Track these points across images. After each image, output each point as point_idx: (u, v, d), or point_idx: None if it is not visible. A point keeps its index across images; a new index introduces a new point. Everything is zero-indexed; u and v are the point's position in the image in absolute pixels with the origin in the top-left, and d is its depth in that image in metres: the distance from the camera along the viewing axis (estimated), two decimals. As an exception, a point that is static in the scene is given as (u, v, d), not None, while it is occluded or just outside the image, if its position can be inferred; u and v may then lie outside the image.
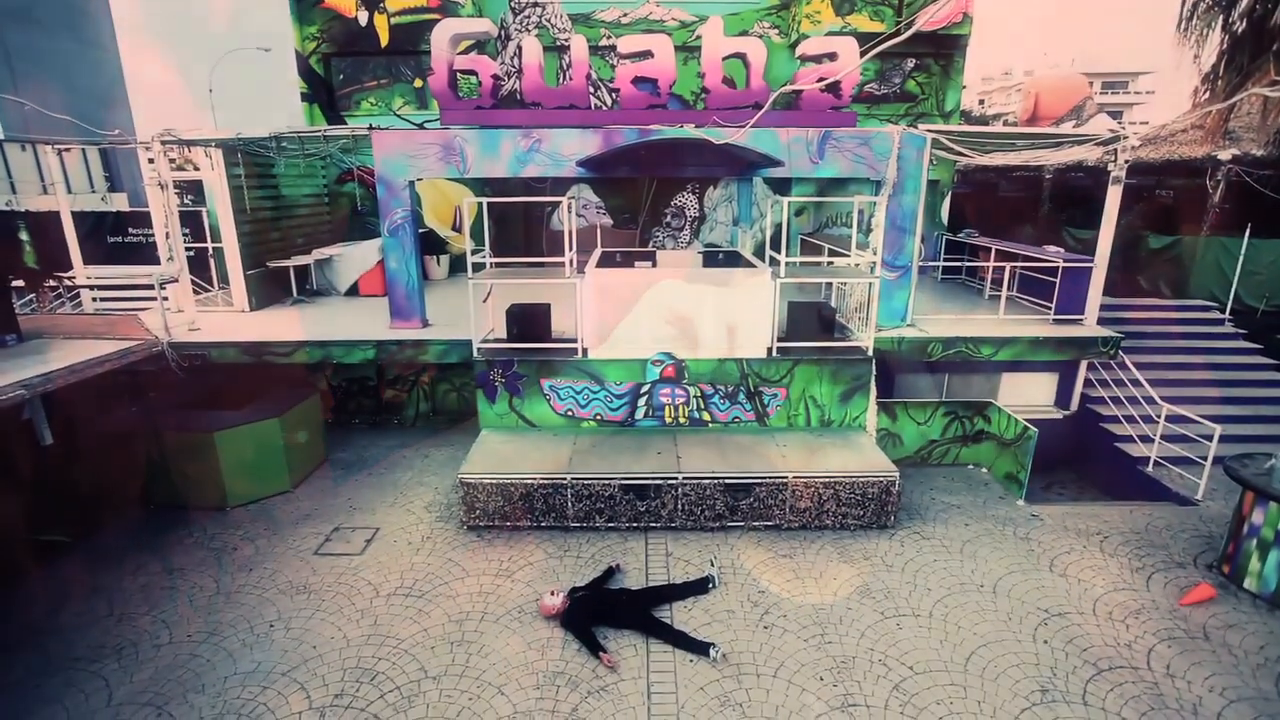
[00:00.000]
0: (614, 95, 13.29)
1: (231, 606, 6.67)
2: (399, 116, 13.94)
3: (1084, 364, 10.47)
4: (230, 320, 10.62)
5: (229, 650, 6.04)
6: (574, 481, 7.79)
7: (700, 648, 5.91)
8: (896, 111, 14.78)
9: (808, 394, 9.05)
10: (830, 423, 9.17)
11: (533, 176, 9.83)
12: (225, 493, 8.56)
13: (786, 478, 7.79)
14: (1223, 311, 12.50)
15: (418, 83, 14.68)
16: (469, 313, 8.82)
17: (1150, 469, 9.27)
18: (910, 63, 14.70)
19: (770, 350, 8.92)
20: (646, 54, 9.47)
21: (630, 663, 5.84)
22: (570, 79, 9.56)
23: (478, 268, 9.05)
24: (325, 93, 14.68)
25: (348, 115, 14.70)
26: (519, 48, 14.05)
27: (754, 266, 9.60)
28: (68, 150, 12.68)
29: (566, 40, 14.14)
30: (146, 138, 9.84)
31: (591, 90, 10.13)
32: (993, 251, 11.86)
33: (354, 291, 12.82)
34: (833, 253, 11.76)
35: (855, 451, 8.45)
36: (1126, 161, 9.46)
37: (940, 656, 5.90)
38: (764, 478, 7.81)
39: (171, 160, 10.35)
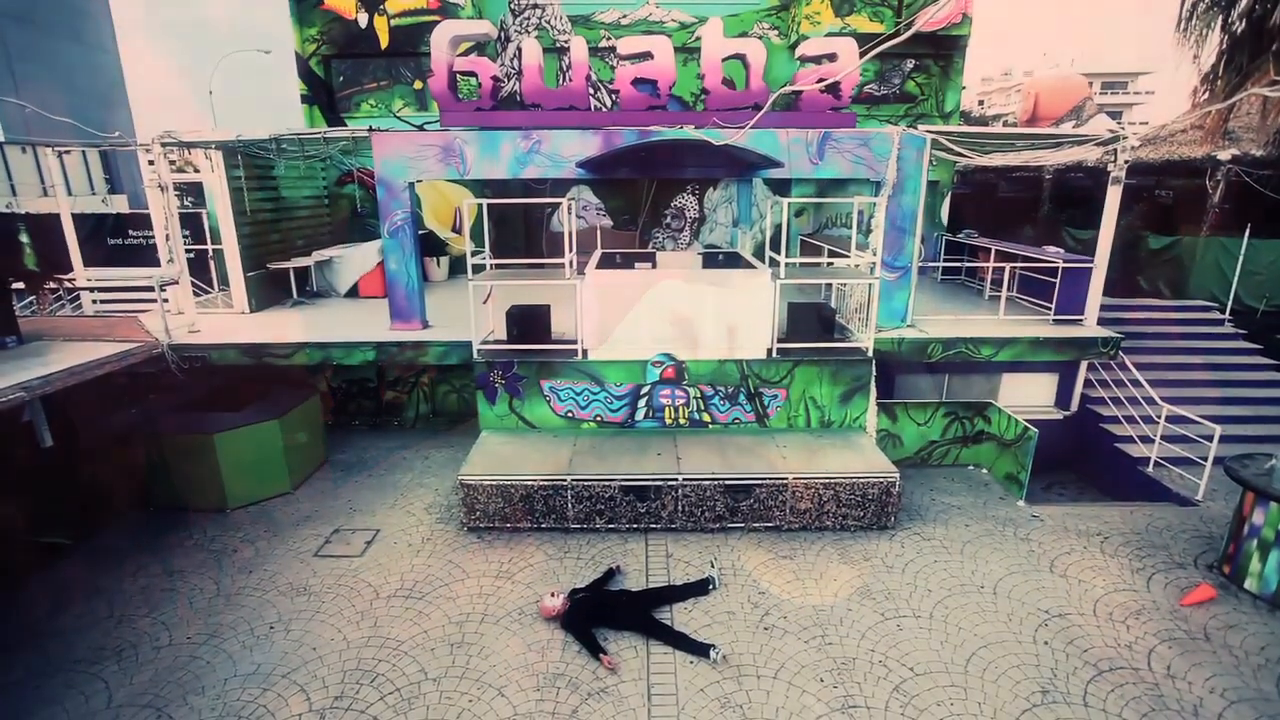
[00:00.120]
0: (614, 96, 13.28)
1: (231, 608, 6.67)
2: (399, 118, 13.93)
3: (1084, 364, 10.47)
4: (230, 322, 10.62)
5: (229, 652, 6.04)
6: (574, 483, 7.79)
7: (700, 649, 5.91)
8: (896, 112, 14.79)
9: (808, 395, 9.04)
10: (830, 424, 9.17)
11: (532, 178, 9.85)
12: (225, 494, 8.56)
13: (787, 479, 7.79)
14: (1222, 312, 12.50)
15: (417, 84, 14.69)
16: (469, 314, 8.82)
17: (1150, 469, 9.26)
18: (910, 63, 14.71)
19: (770, 351, 8.92)
20: (646, 55, 9.47)
21: (630, 664, 5.84)
22: (570, 80, 9.57)
23: (478, 269, 9.05)
24: (325, 94, 14.69)
25: (348, 117, 14.71)
26: (519, 49, 14.05)
27: (754, 267, 9.60)
28: (68, 152, 12.70)
29: (566, 42, 14.15)
30: (146, 140, 9.84)
31: (591, 91, 10.13)
32: (992, 252, 11.86)
33: (354, 293, 12.83)
34: (832, 253, 11.76)
35: (855, 452, 8.45)
36: (1126, 162, 9.46)
37: (941, 658, 5.89)
38: (764, 479, 7.81)
39: (171, 162, 10.31)
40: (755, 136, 8.79)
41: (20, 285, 10.56)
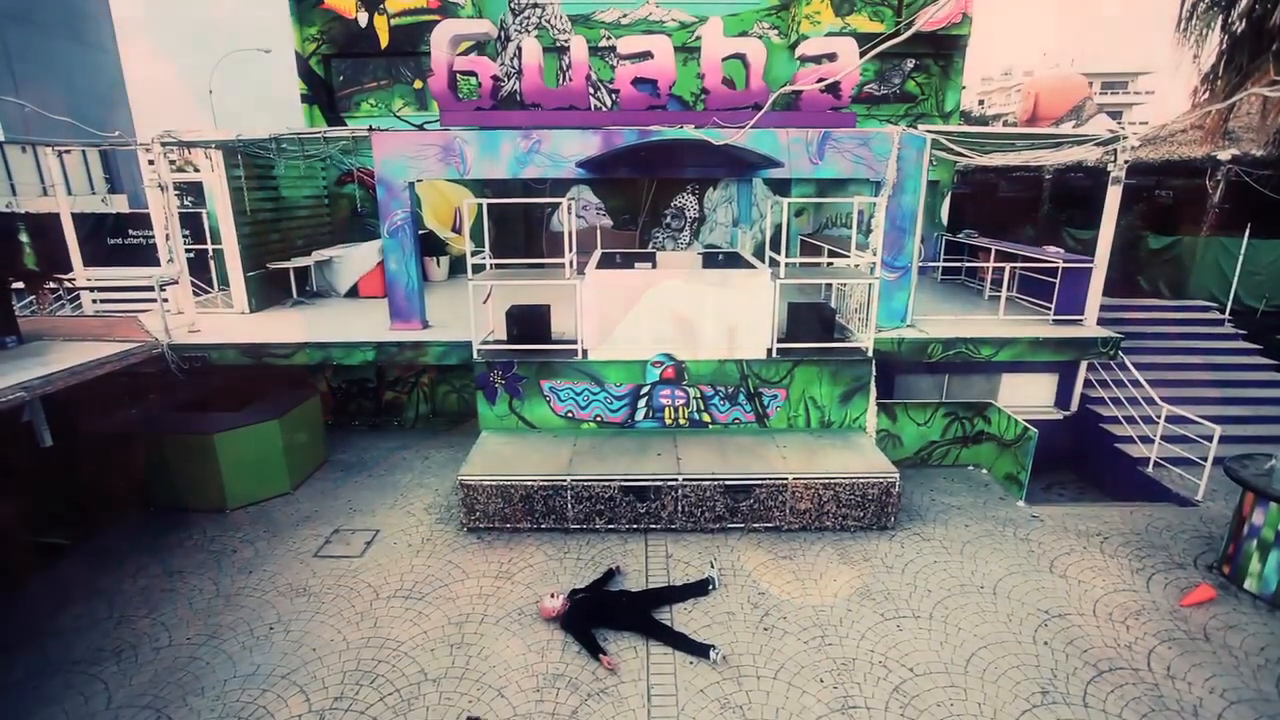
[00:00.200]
0: (614, 96, 13.27)
1: (231, 609, 6.67)
2: (399, 118, 13.92)
3: (1084, 365, 10.47)
4: (230, 322, 10.62)
5: (228, 653, 6.04)
6: (574, 483, 7.79)
7: (700, 650, 5.90)
8: (896, 112, 14.78)
9: (808, 395, 9.04)
10: (830, 424, 9.17)
11: (532, 178, 9.84)
12: (225, 495, 8.56)
13: (786, 479, 7.79)
14: (1222, 312, 12.50)
15: (417, 84, 14.69)
16: (469, 314, 8.82)
17: (1150, 470, 9.26)
18: (910, 63, 14.71)
19: (770, 351, 8.91)
20: (646, 55, 9.47)
21: (630, 665, 5.84)
22: (570, 80, 9.56)
23: (477, 269, 9.05)
24: (325, 94, 14.68)
25: (348, 116, 14.71)
26: (519, 49, 14.05)
27: (754, 267, 9.60)
28: (68, 152, 12.68)
29: (566, 41, 14.14)
30: (146, 139, 9.84)
31: (591, 91, 10.13)
32: (992, 252, 11.86)
33: (354, 293, 12.82)
34: (832, 253, 11.76)
35: (855, 452, 8.45)
36: (1126, 162, 9.46)
37: (940, 658, 5.89)
38: (764, 479, 7.81)
39: (171, 162, 10.32)
40: (755, 136, 8.79)
41: (20, 285, 10.56)
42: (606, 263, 10.01)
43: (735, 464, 8.07)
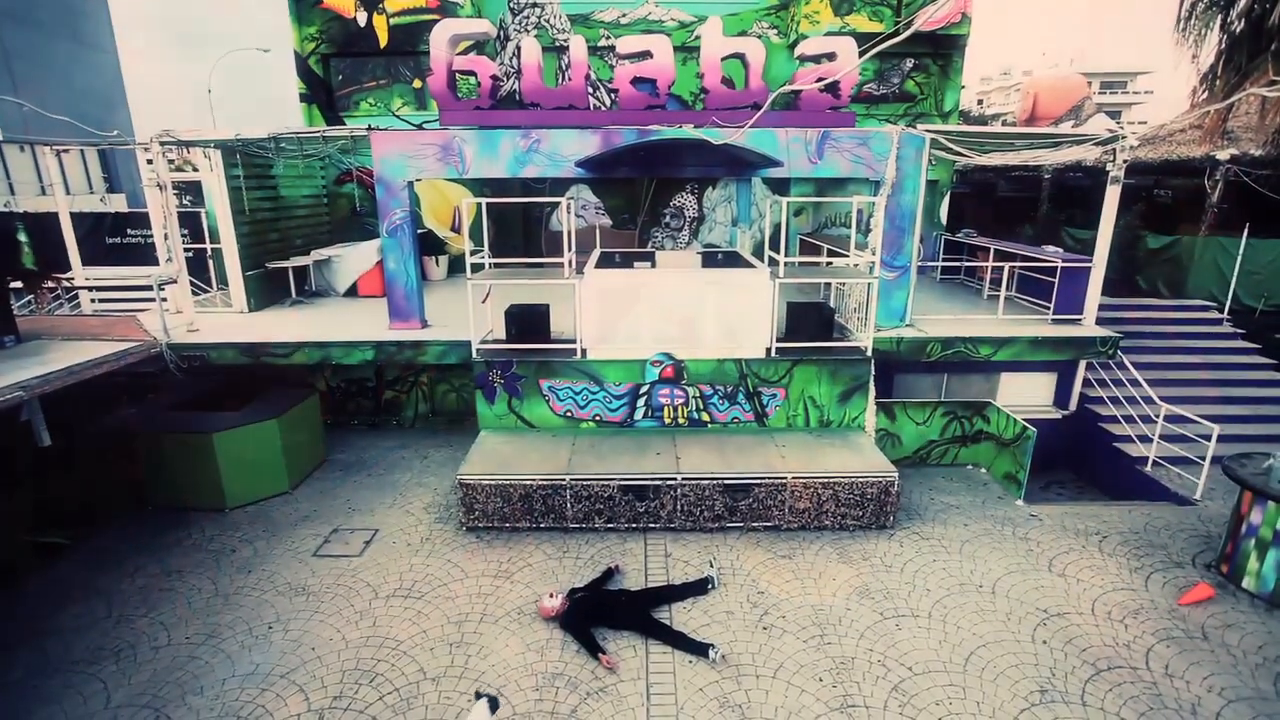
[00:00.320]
0: (613, 96, 13.27)
1: (230, 608, 6.66)
2: (398, 117, 13.92)
3: (1082, 364, 10.48)
4: (229, 321, 10.61)
5: (228, 652, 6.04)
6: (573, 482, 7.79)
7: (699, 649, 5.91)
8: (895, 111, 14.79)
9: (807, 394, 9.04)
10: (829, 423, 9.17)
11: (531, 177, 9.84)
12: (224, 494, 8.55)
13: (785, 478, 7.79)
14: (1221, 311, 12.51)
15: (416, 83, 14.68)
16: (468, 313, 8.82)
17: (1149, 469, 9.27)
18: (909, 63, 14.71)
19: (769, 350, 8.92)
20: (645, 54, 9.47)
21: (629, 664, 5.84)
22: (569, 79, 9.57)
23: (476, 268, 9.05)
24: (324, 93, 14.67)
25: (346, 116, 14.70)
26: (518, 48, 14.06)
27: (753, 267, 9.60)
28: (66, 151, 12.67)
29: (565, 41, 14.14)
30: (145, 139, 9.82)
31: (590, 91, 10.15)
32: (991, 251, 11.87)
33: (353, 292, 12.82)
34: (831, 253, 11.76)
35: (854, 452, 8.45)
36: (1125, 161, 9.47)
37: (939, 657, 5.90)
38: (763, 478, 7.81)
39: (170, 161, 10.32)
40: (754, 136, 8.79)
41: (18, 284, 10.55)
42: (605, 262, 10.01)
43: (734, 463, 8.07)
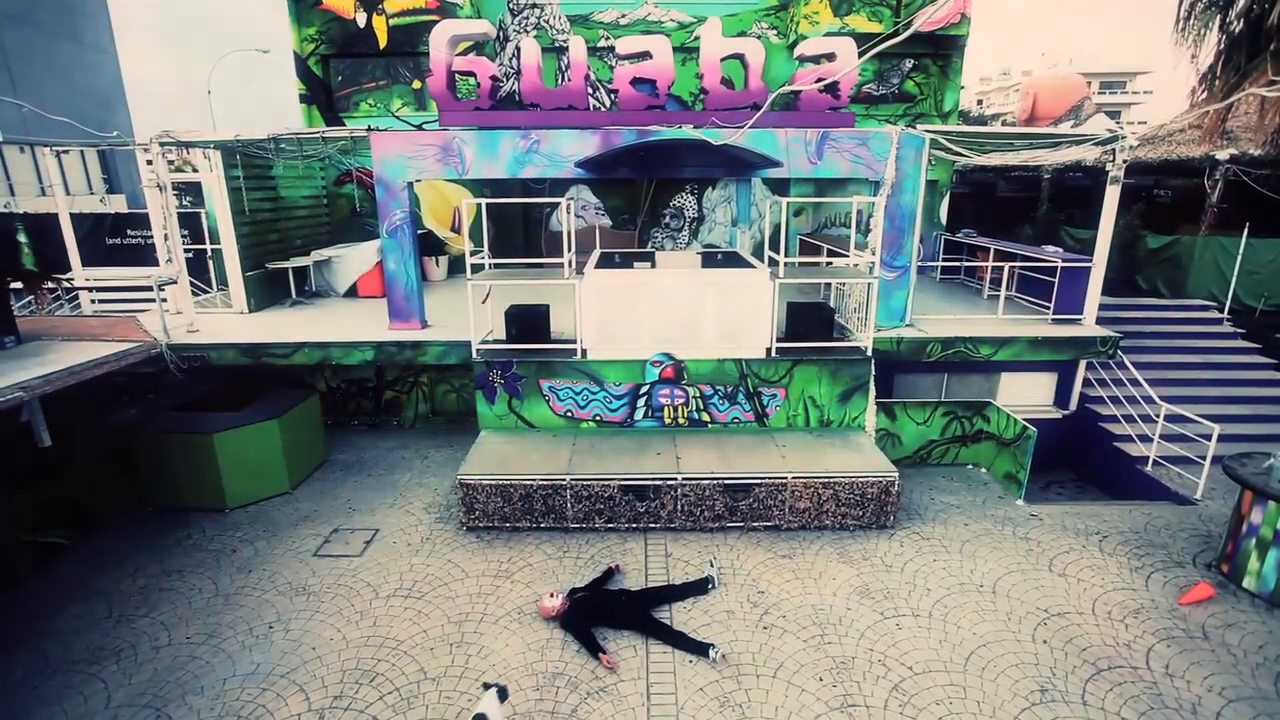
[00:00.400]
0: (612, 96, 13.28)
1: (230, 608, 6.66)
2: (397, 118, 13.92)
3: (1083, 364, 10.49)
4: (229, 322, 10.62)
5: (228, 652, 6.04)
6: (573, 482, 7.79)
7: (700, 648, 5.91)
8: (895, 112, 14.80)
9: (807, 394, 9.05)
10: (829, 423, 9.17)
11: (531, 177, 9.84)
12: (224, 494, 8.55)
13: (786, 478, 7.79)
14: (1221, 311, 12.52)
15: (416, 84, 14.69)
16: (468, 314, 8.82)
17: (1149, 468, 9.27)
18: (908, 63, 14.72)
19: (769, 350, 8.92)
20: (645, 55, 9.48)
21: (630, 663, 5.84)
22: (569, 80, 9.57)
23: (476, 269, 9.05)
24: (324, 94, 14.68)
25: (346, 116, 14.70)
26: (517, 49, 14.08)
27: (753, 267, 9.60)
28: (66, 152, 12.68)
29: (565, 41, 14.15)
30: (145, 139, 9.83)
31: (590, 91, 10.15)
32: (991, 251, 11.88)
33: (353, 293, 12.82)
34: (831, 253, 11.77)
35: (854, 452, 8.45)
36: (1124, 161, 9.48)
37: (939, 656, 5.90)
38: (763, 478, 7.81)
39: (170, 162, 10.32)
40: (754, 136, 8.80)
41: (18, 285, 10.55)
42: (605, 262, 10.02)
43: (734, 463, 8.07)
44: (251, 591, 6.93)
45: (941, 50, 14.31)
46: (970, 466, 9.86)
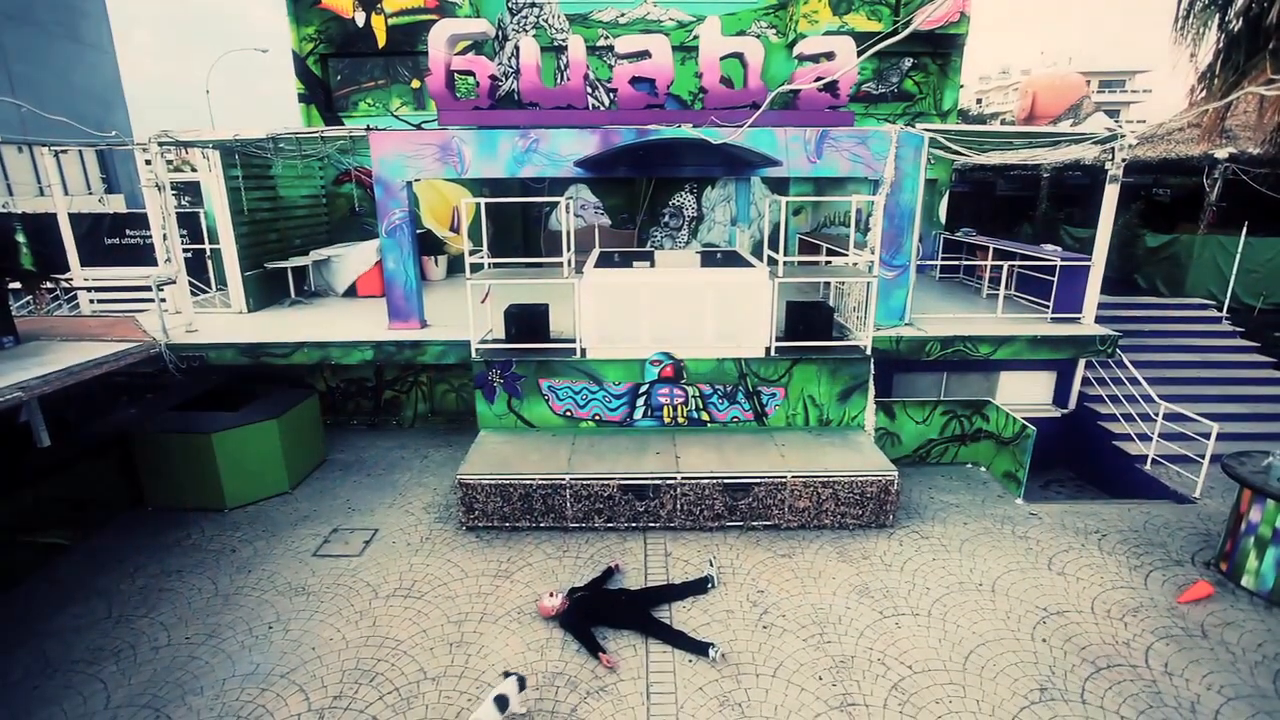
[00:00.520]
0: (611, 95, 13.29)
1: (230, 608, 6.66)
2: (396, 117, 13.92)
3: (1082, 362, 10.49)
4: (228, 321, 10.61)
5: (228, 652, 6.04)
6: (573, 482, 7.79)
7: (699, 648, 5.91)
8: (894, 111, 14.79)
9: (806, 393, 9.05)
10: (829, 422, 9.17)
11: (530, 177, 9.83)
12: (223, 494, 8.55)
13: (785, 477, 7.79)
14: (1220, 309, 12.53)
15: (415, 83, 14.67)
16: (467, 313, 8.82)
17: (1148, 467, 9.28)
18: (907, 62, 14.71)
19: (769, 350, 8.92)
20: (644, 54, 9.48)
21: (629, 663, 5.84)
22: (568, 79, 9.57)
23: (476, 268, 9.05)
24: (322, 93, 14.66)
25: (345, 116, 14.69)
26: (516, 48, 14.07)
27: (752, 266, 9.60)
28: (65, 152, 12.67)
29: (564, 40, 14.14)
30: (143, 139, 9.81)
31: (589, 90, 10.15)
32: (990, 250, 11.88)
33: (352, 292, 12.81)
34: (831, 252, 11.77)
35: (854, 451, 8.46)
36: (1123, 160, 9.48)
37: (939, 655, 5.90)
38: (763, 477, 7.81)
39: (169, 162, 10.31)
40: (753, 135, 8.80)
41: (17, 285, 10.53)
42: (605, 262, 10.01)
43: (734, 462, 8.07)
44: (251, 591, 6.93)
45: (941, 49, 14.30)
46: (969, 465, 9.87)
